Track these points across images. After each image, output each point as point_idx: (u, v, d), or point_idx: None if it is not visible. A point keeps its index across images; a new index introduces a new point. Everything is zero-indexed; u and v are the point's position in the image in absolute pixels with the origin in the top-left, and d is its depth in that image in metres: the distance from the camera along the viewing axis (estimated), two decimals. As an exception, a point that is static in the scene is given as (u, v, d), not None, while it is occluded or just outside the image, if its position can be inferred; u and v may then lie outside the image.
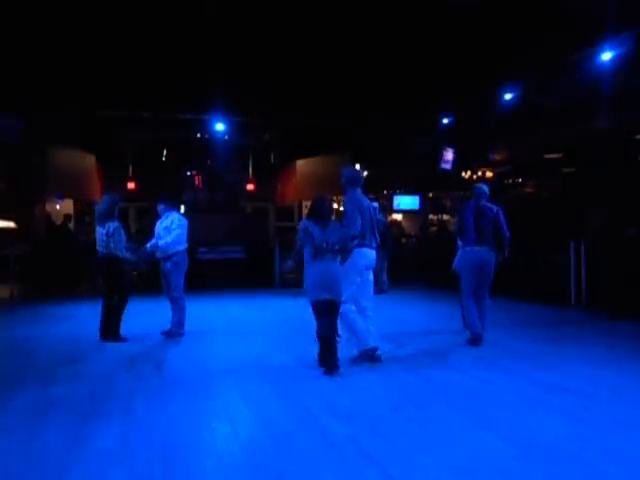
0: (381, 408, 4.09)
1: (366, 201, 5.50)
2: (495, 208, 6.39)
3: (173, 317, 7.02)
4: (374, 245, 5.42)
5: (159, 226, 7.06)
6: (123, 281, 6.88)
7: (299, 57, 11.92)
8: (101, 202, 7.03)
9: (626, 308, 7.94)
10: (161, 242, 6.89)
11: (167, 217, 7.05)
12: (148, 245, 7.05)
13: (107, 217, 6.72)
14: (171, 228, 6.91)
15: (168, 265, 6.93)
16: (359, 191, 5.51)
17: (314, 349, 5.44)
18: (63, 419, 3.94)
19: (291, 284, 12.42)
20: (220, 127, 14.44)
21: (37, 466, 3.18)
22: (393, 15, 10.40)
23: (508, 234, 6.34)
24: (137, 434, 3.64)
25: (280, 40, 11.44)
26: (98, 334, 6.71)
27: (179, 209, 7.34)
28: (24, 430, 3.74)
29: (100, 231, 6.70)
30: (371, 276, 5.50)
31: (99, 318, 6.78)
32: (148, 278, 12.54)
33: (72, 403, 4.31)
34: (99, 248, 6.73)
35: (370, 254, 5.37)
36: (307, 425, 3.76)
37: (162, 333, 6.99)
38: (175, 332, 6.93)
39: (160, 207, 7.17)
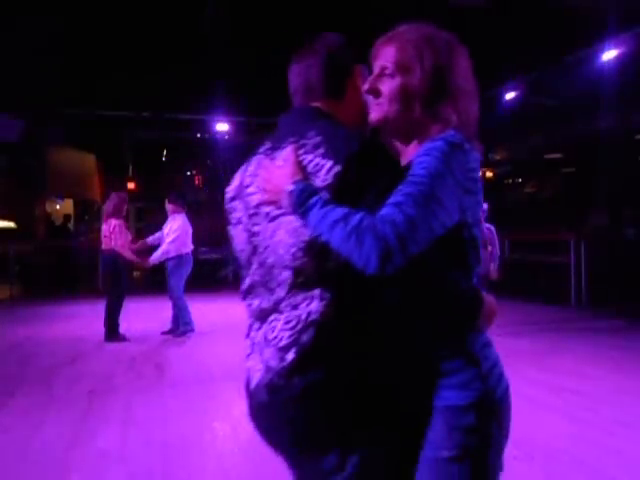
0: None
1: None
2: (487, 226, 6.56)
3: (177, 316, 6.99)
4: None
5: (165, 226, 7.03)
6: (121, 280, 6.85)
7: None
8: (109, 199, 6.99)
9: (626, 308, 7.94)
10: (158, 251, 6.82)
11: (173, 219, 6.97)
12: (150, 238, 7.04)
13: (113, 214, 6.75)
14: (170, 233, 6.86)
15: (169, 265, 6.92)
16: None
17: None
18: (63, 419, 3.95)
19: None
20: (223, 127, 14.42)
21: (37, 466, 3.18)
22: (393, 14, 10.41)
23: (499, 253, 6.61)
24: (137, 434, 3.64)
25: (280, 40, 11.43)
26: (103, 334, 6.71)
27: (186, 211, 7.18)
28: (24, 430, 3.74)
29: (105, 228, 6.74)
30: None
31: (103, 319, 6.76)
32: (148, 278, 12.56)
33: (72, 403, 4.31)
34: (102, 245, 6.75)
35: None
36: (307, 425, 3.76)
37: (163, 333, 6.99)
38: (183, 330, 6.88)
39: (169, 207, 7.08)
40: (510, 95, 11.95)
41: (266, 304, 1.30)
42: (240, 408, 4.43)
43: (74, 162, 14.90)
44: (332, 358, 1.17)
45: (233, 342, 6.63)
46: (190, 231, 7.06)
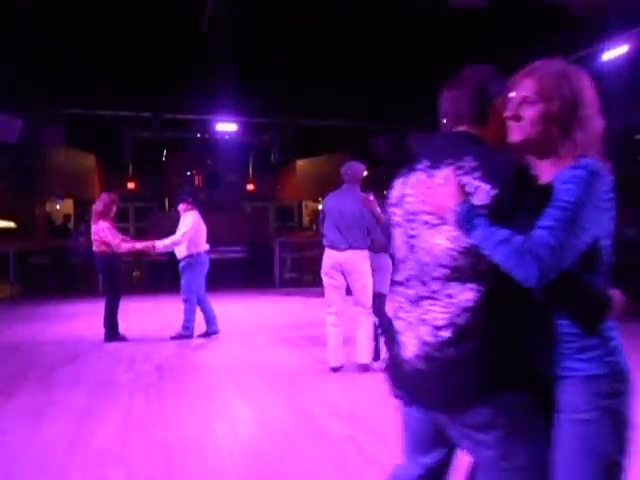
0: (381, 408, 4.09)
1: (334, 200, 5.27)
2: None
3: (209, 318, 6.87)
4: (339, 246, 5.06)
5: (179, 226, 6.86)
6: (116, 280, 6.81)
7: (299, 57, 11.92)
8: (99, 199, 6.93)
9: (626, 308, 7.93)
10: (169, 240, 6.65)
11: (185, 217, 6.81)
12: (156, 242, 6.85)
13: (102, 216, 6.69)
14: (181, 228, 6.71)
15: (182, 266, 6.82)
16: (343, 188, 5.23)
17: (314, 349, 5.44)
18: (63, 419, 3.95)
19: (291, 284, 12.44)
20: (232, 127, 14.38)
21: (37, 466, 3.18)
22: (393, 15, 10.40)
23: None
24: (137, 434, 3.64)
25: (280, 40, 11.44)
26: (103, 334, 6.67)
27: (199, 208, 7.01)
28: (24, 430, 3.74)
29: (94, 230, 6.69)
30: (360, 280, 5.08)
31: (102, 319, 6.74)
32: (148, 278, 12.56)
33: (72, 403, 4.31)
34: (94, 247, 6.71)
35: (334, 255, 5.10)
36: (307, 425, 3.77)
37: (199, 336, 6.80)
38: (181, 334, 6.71)
39: (181, 207, 6.91)
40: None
41: (422, 292, 1.58)
42: (240, 408, 4.44)
43: (74, 162, 14.91)
44: (481, 335, 1.46)
45: (233, 342, 6.63)
46: (202, 229, 6.89)
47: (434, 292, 1.55)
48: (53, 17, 9.96)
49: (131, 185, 15.68)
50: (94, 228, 6.69)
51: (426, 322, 1.55)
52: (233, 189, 16.60)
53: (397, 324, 1.67)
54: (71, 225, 14.83)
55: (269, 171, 17.52)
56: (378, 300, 5.15)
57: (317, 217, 16.40)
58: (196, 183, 17.45)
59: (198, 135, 15.58)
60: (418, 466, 1.75)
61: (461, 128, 1.64)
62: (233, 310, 9.36)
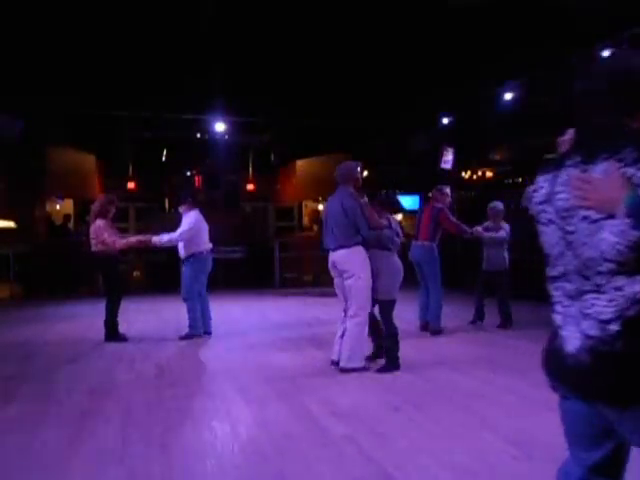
0: (381, 408, 4.09)
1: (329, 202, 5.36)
2: (438, 206, 6.86)
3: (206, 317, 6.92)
4: (330, 246, 5.20)
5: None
6: (115, 280, 6.81)
7: (299, 57, 11.92)
8: (97, 200, 6.99)
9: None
10: (165, 236, 6.67)
11: (186, 217, 6.82)
12: (153, 237, 6.84)
13: (99, 215, 6.73)
14: (182, 226, 6.73)
15: (184, 266, 6.82)
16: (338, 189, 5.28)
17: (314, 349, 5.44)
18: (63, 419, 3.95)
19: (291, 284, 12.44)
20: (221, 127, 14.41)
21: (38, 466, 3.18)
22: (393, 14, 10.40)
23: (450, 228, 6.91)
24: (137, 434, 3.64)
25: (280, 40, 11.44)
26: (104, 334, 6.67)
27: (199, 208, 7.01)
28: (24, 430, 3.74)
29: (91, 229, 6.73)
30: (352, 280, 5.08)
31: (103, 319, 6.73)
32: (148, 278, 12.56)
33: (72, 403, 4.31)
34: (92, 247, 6.72)
35: (329, 256, 5.21)
36: (307, 425, 3.76)
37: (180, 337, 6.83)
38: (188, 334, 6.73)
39: (182, 207, 6.92)
40: (510, 95, 11.94)
41: (584, 287, 1.56)
42: (240, 408, 4.43)
43: (74, 162, 14.89)
44: None
45: (233, 342, 6.63)
46: (204, 228, 6.88)
47: (598, 286, 1.52)
48: (53, 17, 9.96)
49: (131, 185, 15.67)
50: (91, 227, 6.75)
51: (589, 316, 1.54)
52: (233, 189, 16.59)
53: (556, 318, 1.68)
54: (71, 225, 14.83)
55: (269, 171, 17.52)
56: (383, 306, 5.13)
57: (317, 217, 16.43)
58: (196, 183, 17.44)
59: (198, 135, 15.58)
60: (581, 464, 1.71)
61: (608, 120, 1.57)
62: (233, 310, 9.36)
